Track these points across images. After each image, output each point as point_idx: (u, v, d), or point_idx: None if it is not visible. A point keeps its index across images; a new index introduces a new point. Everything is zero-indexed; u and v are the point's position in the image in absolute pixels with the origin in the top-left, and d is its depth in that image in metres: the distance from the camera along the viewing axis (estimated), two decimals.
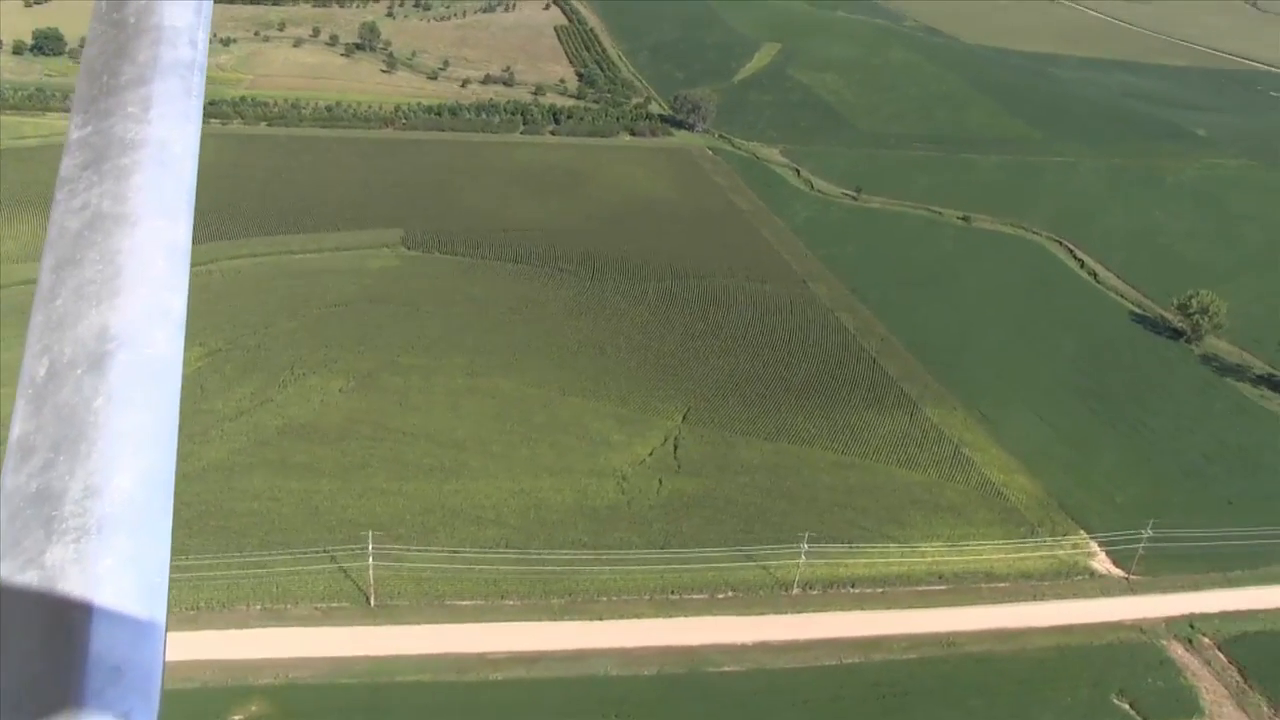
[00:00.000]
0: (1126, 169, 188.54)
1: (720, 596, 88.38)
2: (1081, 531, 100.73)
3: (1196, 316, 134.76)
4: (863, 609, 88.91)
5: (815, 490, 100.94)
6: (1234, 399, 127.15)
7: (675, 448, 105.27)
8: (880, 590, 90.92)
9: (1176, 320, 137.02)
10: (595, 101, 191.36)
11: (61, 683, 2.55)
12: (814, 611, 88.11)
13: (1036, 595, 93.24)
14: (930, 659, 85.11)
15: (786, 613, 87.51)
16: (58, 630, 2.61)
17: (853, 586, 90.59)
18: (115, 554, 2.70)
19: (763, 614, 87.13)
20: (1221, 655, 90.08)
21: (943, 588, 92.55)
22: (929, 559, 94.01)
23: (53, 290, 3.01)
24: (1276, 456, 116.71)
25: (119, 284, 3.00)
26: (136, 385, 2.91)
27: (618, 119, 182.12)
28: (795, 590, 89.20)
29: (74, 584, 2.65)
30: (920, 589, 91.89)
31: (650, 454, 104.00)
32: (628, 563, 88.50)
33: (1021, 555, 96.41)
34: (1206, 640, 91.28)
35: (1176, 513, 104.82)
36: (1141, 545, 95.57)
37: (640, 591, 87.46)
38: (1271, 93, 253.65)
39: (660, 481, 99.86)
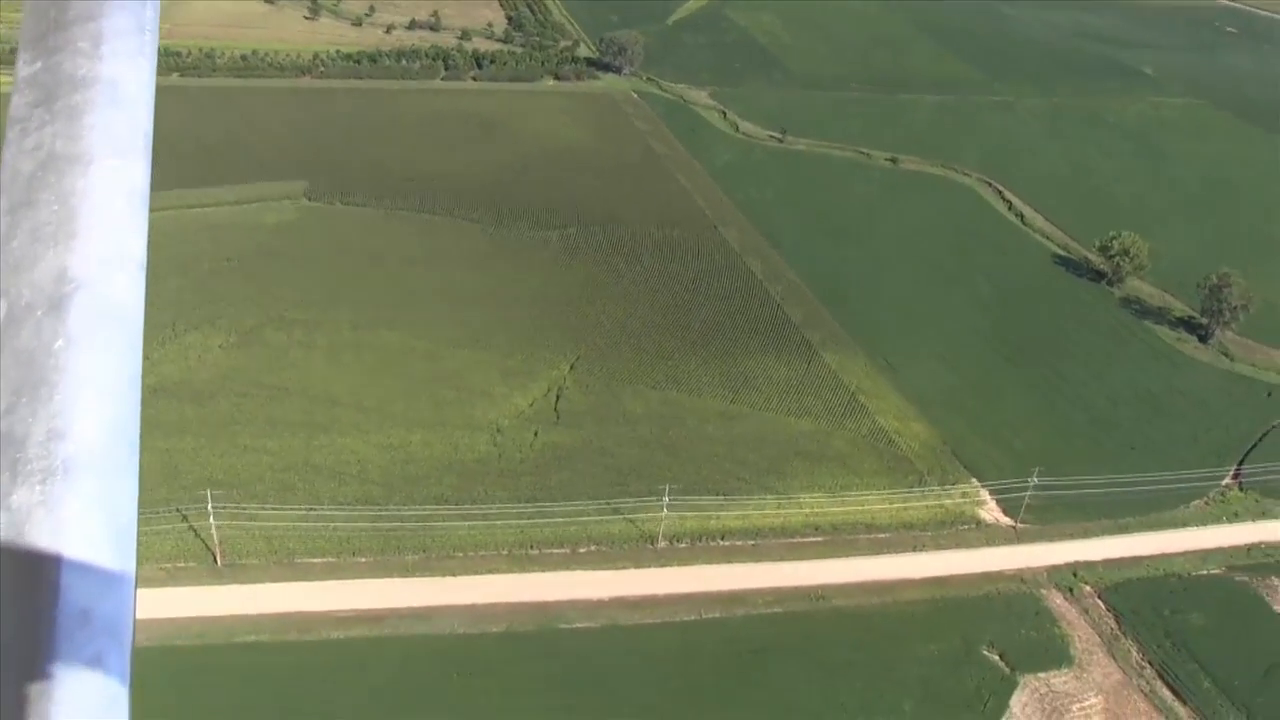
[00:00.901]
0: (1067, 109, 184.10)
1: (582, 551, 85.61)
2: (973, 480, 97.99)
3: (1117, 258, 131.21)
4: (730, 562, 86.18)
5: (697, 441, 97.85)
6: (1150, 342, 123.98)
7: (558, 399, 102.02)
8: (751, 543, 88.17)
9: (1098, 262, 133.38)
10: (522, 45, 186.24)
11: (30, 626, 2.54)
12: (678, 565, 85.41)
13: (917, 546, 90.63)
14: (795, 613, 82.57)
15: (649, 567, 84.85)
16: (25, 573, 2.59)
17: (722, 539, 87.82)
18: (82, 496, 2.68)
19: (624, 569, 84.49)
20: (1101, 603, 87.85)
21: (819, 540, 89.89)
22: (806, 510, 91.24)
23: (8, 233, 2.94)
24: (1185, 401, 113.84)
25: (75, 226, 2.94)
26: (97, 328, 2.86)
27: (542, 63, 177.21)
28: (661, 544, 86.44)
29: (40, 527, 2.63)
30: (794, 541, 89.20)
31: (531, 405, 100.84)
32: (488, 518, 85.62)
33: (906, 505, 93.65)
34: (1088, 588, 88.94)
35: (1077, 460, 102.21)
36: (1028, 494, 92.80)
37: (498, 547, 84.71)
38: (1228, 29, 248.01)
39: (536, 434, 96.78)
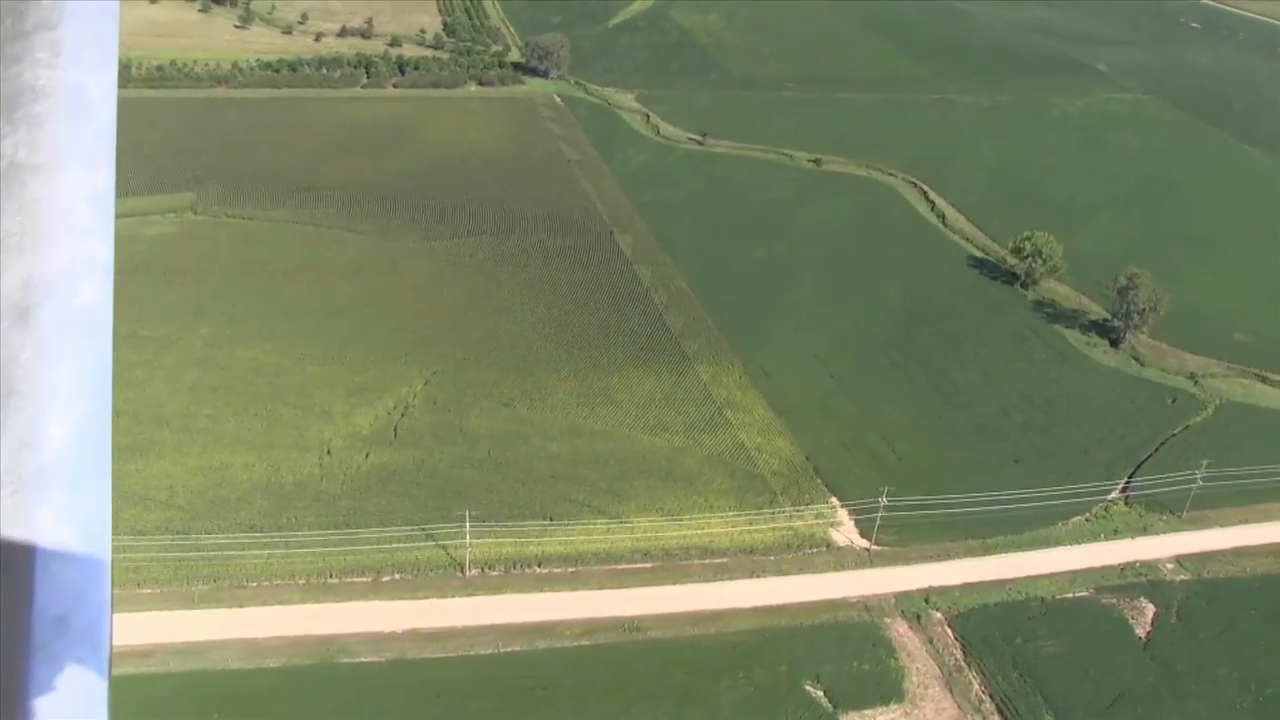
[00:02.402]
0: (1010, 106, 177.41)
1: (385, 580, 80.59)
2: (832, 499, 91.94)
3: (1030, 260, 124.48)
4: (543, 591, 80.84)
5: (536, 460, 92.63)
6: (1057, 347, 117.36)
7: (401, 417, 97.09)
8: (571, 570, 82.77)
9: (1010, 263, 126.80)
10: (452, 51, 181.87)
11: (6, 636, 2.59)
12: (485, 595, 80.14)
13: (756, 572, 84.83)
14: (604, 646, 77.05)
15: (453, 597, 79.52)
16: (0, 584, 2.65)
17: (539, 566, 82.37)
18: (53, 505, 2.74)
19: (425, 599, 79.29)
20: (949, 632, 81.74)
21: (648, 566, 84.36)
22: (637, 535, 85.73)
23: None
24: (1083, 409, 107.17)
25: (40, 234, 2.98)
26: (65, 336, 2.90)
27: (468, 69, 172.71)
28: (471, 572, 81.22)
29: (14, 537, 2.68)
30: (619, 568, 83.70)
31: (371, 424, 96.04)
32: (290, 545, 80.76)
33: (751, 528, 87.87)
34: (938, 615, 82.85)
35: (955, 474, 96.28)
36: (879, 515, 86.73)
37: (295, 576, 79.82)
38: (1192, 24, 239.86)
39: (368, 455, 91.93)
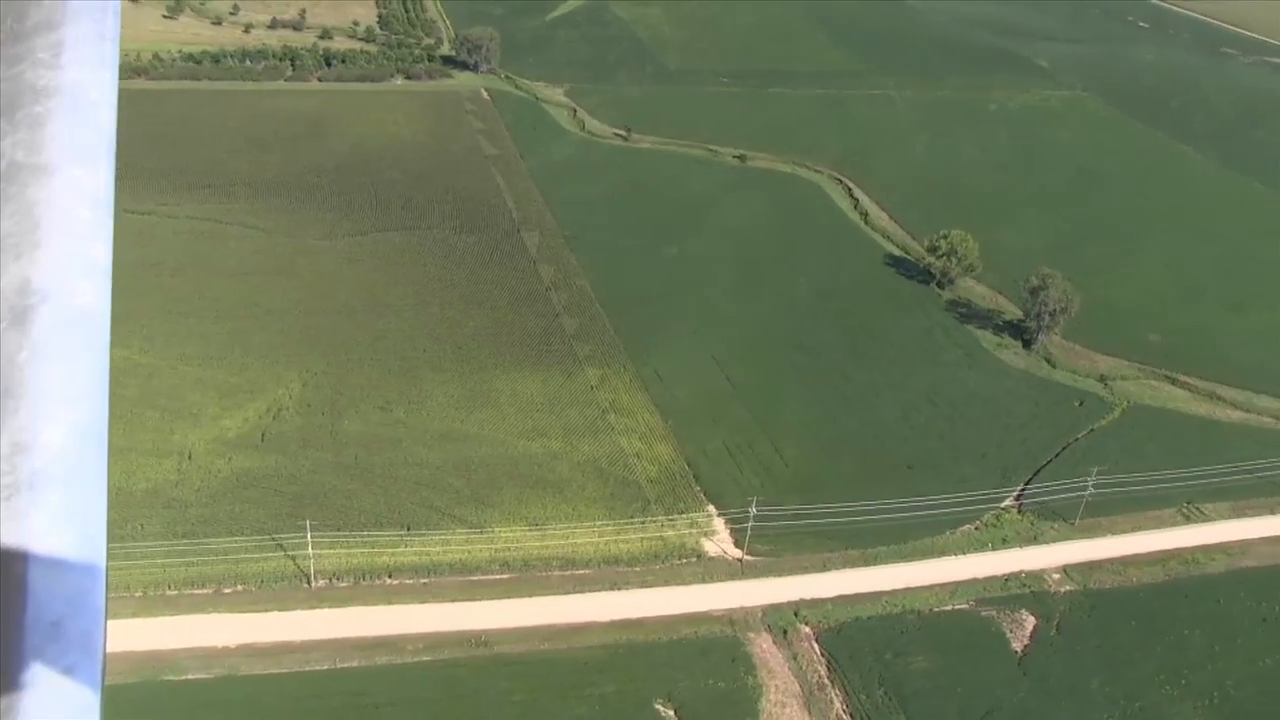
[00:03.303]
0: (948, 101, 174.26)
1: (227, 591, 77.31)
2: (710, 507, 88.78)
3: (946, 258, 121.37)
4: (391, 604, 77.63)
5: (403, 466, 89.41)
6: (967, 348, 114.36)
7: (273, 420, 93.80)
8: (424, 581, 79.54)
9: (925, 262, 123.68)
10: (383, 44, 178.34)
11: (1, 640, 2.58)
12: (330, 607, 76.91)
13: (617, 584, 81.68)
14: (446, 662, 73.91)
15: (295, 609, 76.25)
16: None
17: (389, 577, 79.15)
18: (49, 509, 2.73)
19: (266, 611, 76.09)
20: (816, 647, 78.57)
21: (505, 577, 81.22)
22: (496, 545, 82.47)
23: None
24: (986, 412, 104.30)
25: (39, 236, 2.99)
26: (62, 338, 2.91)
27: (396, 62, 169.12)
28: (319, 583, 78.03)
29: (8, 541, 2.68)
30: (475, 579, 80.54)
31: (239, 428, 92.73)
32: (130, 556, 77.25)
33: (618, 538, 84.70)
34: (807, 630, 79.79)
35: (844, 481, 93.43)
36: (749, 525, 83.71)
37: (132, 589, 76.41)
38: (1140, 23, 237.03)
39: (230, 460, 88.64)
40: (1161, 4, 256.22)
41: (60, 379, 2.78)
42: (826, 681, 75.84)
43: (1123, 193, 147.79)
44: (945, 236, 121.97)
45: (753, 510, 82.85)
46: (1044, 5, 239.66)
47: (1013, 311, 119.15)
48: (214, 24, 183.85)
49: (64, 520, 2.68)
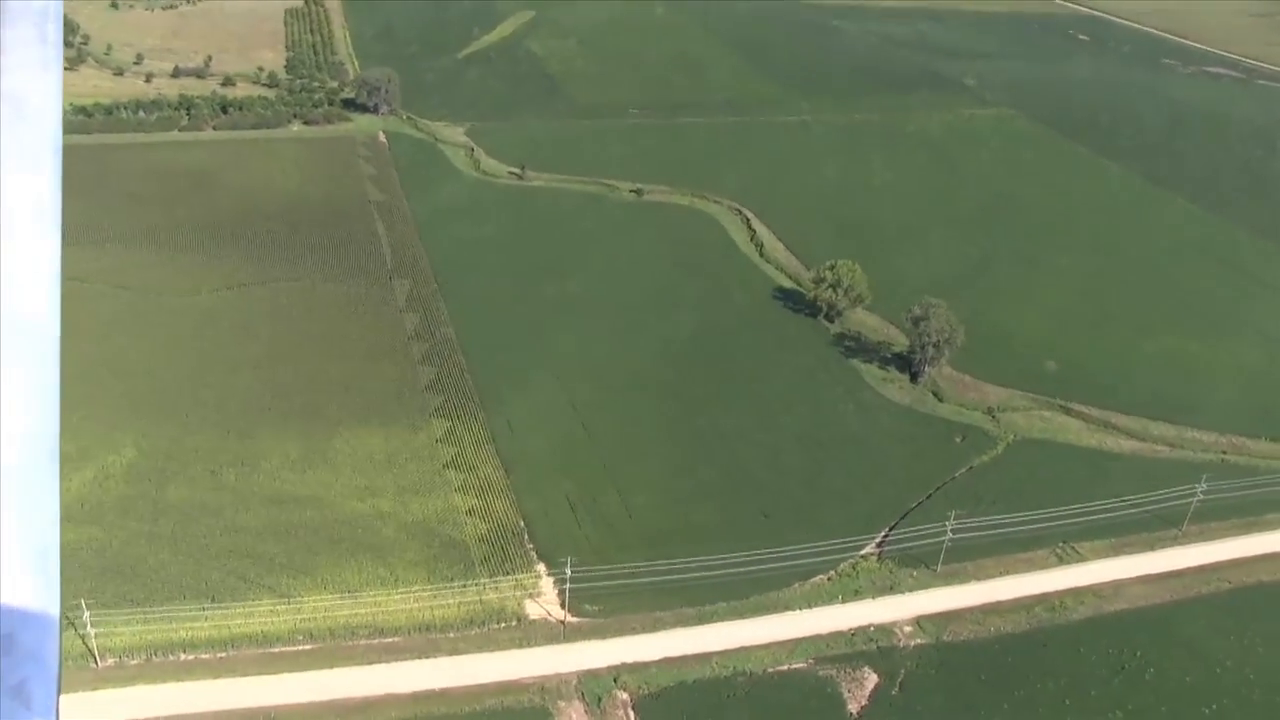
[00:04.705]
0: (866, 125, 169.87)
1: None
2: (539, 567, 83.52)
3: (832, 290, 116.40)
4: (183, 680, 72.65)
5: (222, 535, 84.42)
6: (849, 384, 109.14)
7: (97, 489, 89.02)
8: (220, 655, 74.32)
9: (811, 295, 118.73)
10: (287, 89, 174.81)
11: None
12: (114, 688, 71.93)
13: (427, 652, 76.36)
14: None
15: (77, 690, 71.06)
16: None
17: (184, 652, 74.04)
18: None
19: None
20: (632, 715, 72.94)
21: (309, 648, 75.88)
22: (302, 615, 77.24)
23: None
24: (858, 453, 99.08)
25: None
26: (9, 344, 2.94)
27: (295, 107, 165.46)
28: (108, 661, 72.93)
29: None
30: (275, 651, 75.30)
31: (60, 498, 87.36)
32: None
33: (434, 603, 79.34)
34: (624, 696, 74.37)
35: (693, 533, 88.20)
36: (566, 587, 78.48)
37: None
38: (1080, 36, 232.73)
39: None
40: (1104, 16, 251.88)
41: (8, 386, 2.70)
42: None
43: (1039, 213, 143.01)
44: (832, 267, 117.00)
45: (568, 571, 77.57)
46: (982, 23, 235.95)
47: (903, 343, 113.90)
48: (115, 74, 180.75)
49: (15, 531, 2.62)
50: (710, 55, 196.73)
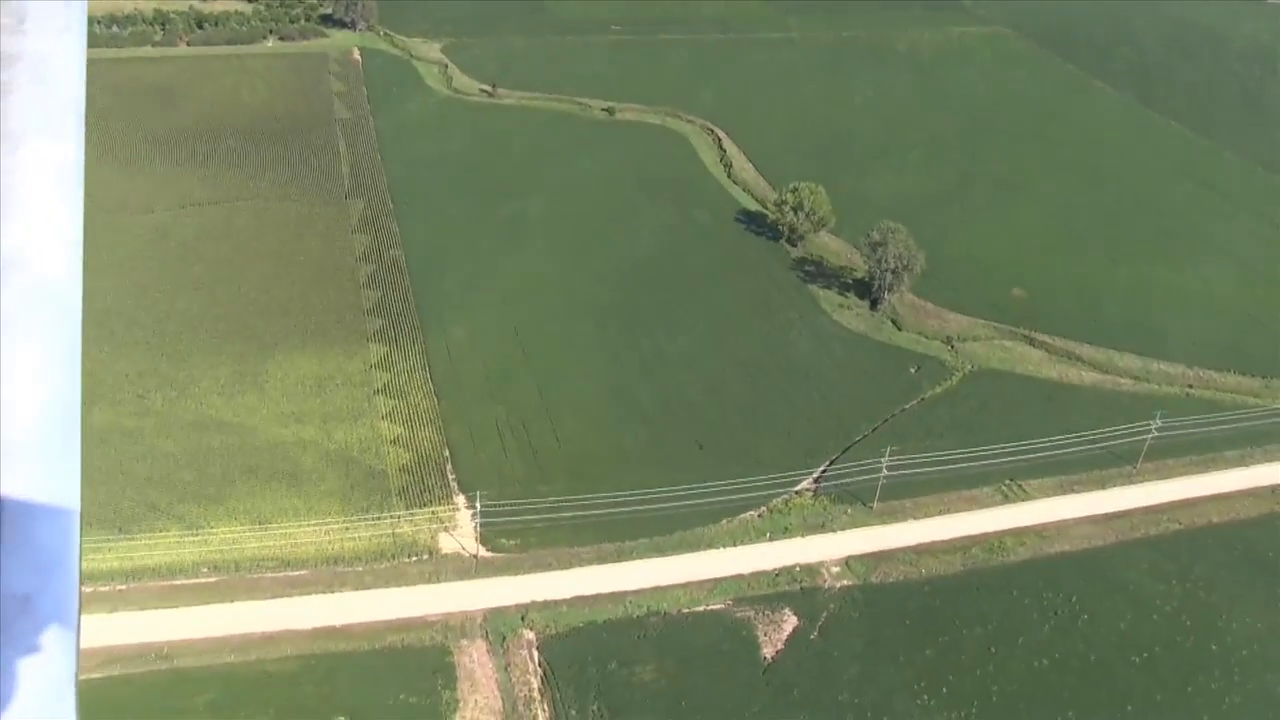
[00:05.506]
0: (854, 42, 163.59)
1: None
2: (460, 498, 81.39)
3: (794, 213, 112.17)
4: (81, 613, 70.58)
5: (139, 461, 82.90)
6: (803, 311, 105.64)
7: None
8: (120, 588, 73.23)
9: (772, 218, 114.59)
10: (266, 5, 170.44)
11: None
12: None
13: (333, 586, 74.88)
14: (118, 679, 67.58)
15: None
16: None
17: (84, 584, 71.70)
18: (21, 482, 2.69)
19: None
20: (536, 655, 71.08)
21: (212, 580, 74.42)
22: (209, 546, 75.61)
23: None
24: (804, 382, 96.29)
25: (4, 207, 2.96)
26: (32, 310, 2.90)
27: (272, 23, 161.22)
28: None
29: None
30: (175, 584, 74.10)
31: None
32: None
33: (345, 535, 77.56)
34: (530, 636, 72.58)
35: (623, 463, 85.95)
36: (477, 522, 76.49)
37: None
38: None
39: None
40: None
41: (30, 351, 2.70)
42: (536, 695, 68.48)
43: (1023, 135, 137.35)
44: (794, 190, 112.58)
45: (477, 505, 75.43)
46: None
47: (865, 269, 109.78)
48: None
49: (36, 493, 2.63)
50: None
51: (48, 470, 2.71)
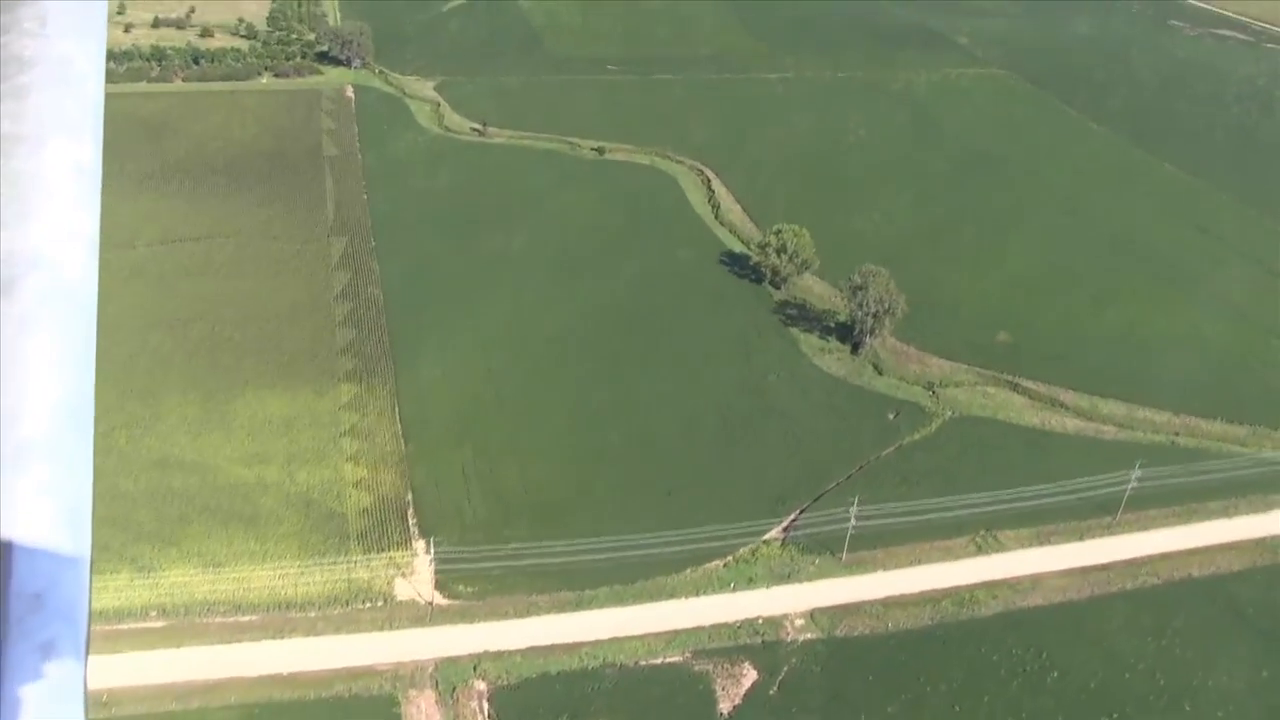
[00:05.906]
0: (850, 82, 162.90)
1: None
2: (418, 543, 79.91)
3: (778, 255, 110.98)
4: None
5: (97, 501, 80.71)
6: (782, 353, 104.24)
7: None
8: None
9: (755, 260, 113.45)
10: (264, 41, 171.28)
11: None
12: None
13: (282, 632, 73.31)
14: None
15: None
16: None
17: None
18: (33, 481, 2.70)
19: None
20: (486, 707, 69.28)
21: (159, 625, 73.03)
22: (159, 590, 74.35)
23: None
24: (779, 428, 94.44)
25: (25, 207, 2.93)
26: (49, 309, 2.86)
27: (268, 59, 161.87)
28: None
29: None
30: (122, 628, 72.58)
31: None
32: None
33: (299, 580, 76.18)
34: (481, 687, 70.77)
35: (588, 510, 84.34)
36: (433, 568, 75.03)
37: None
38: None
39: None
40: None
41: (46, 350, 2.63)
42: None
43: (1014, 176, 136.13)
44: (778, 232, 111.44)
45: (431, 553, 73.92)
46: None
47: (847, 312, 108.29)
48: None
49: (49, 492, 2.59)
50: (698, 10, 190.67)
51: (61, 468, 2.65)
